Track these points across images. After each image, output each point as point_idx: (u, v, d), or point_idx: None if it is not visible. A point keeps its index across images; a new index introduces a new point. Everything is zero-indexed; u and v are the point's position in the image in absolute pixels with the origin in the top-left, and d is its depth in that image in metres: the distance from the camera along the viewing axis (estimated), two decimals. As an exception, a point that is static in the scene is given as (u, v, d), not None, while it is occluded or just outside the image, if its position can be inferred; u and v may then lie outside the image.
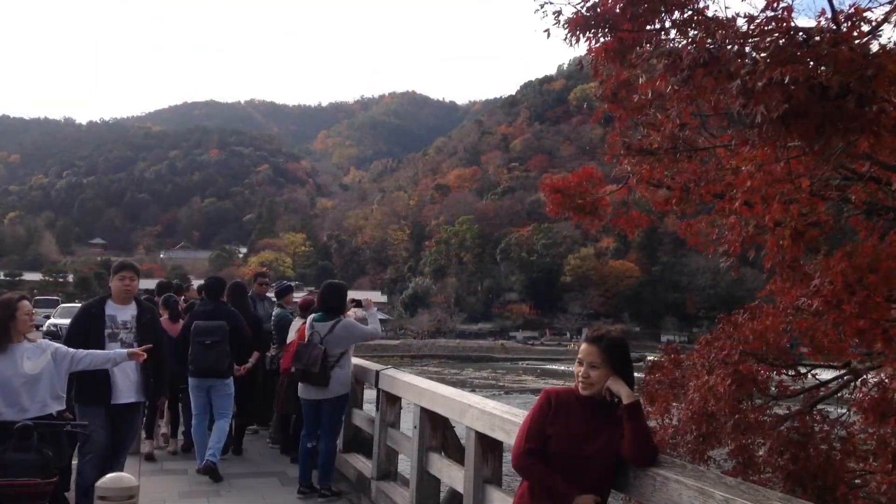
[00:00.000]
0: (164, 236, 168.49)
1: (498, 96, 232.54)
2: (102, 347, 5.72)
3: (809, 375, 8.24)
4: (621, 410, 3.05)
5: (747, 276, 62.86)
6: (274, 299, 9.98)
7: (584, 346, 3.19)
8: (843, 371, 8.02)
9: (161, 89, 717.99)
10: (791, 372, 8.04)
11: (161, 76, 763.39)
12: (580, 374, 3.13)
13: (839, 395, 8.18)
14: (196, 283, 18.43)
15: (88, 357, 5.33)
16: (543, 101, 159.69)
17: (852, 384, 7.75)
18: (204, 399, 7.86)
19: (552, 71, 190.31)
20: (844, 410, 8.16)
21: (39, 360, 5.08)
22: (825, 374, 8.52)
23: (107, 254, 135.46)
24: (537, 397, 3.26)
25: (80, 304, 9.63)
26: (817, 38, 4.17)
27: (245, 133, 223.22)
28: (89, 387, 5.71)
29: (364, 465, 7.22)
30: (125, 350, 5.55)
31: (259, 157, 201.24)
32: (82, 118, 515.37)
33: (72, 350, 5.31)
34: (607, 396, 3.09)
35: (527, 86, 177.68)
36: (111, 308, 6.01)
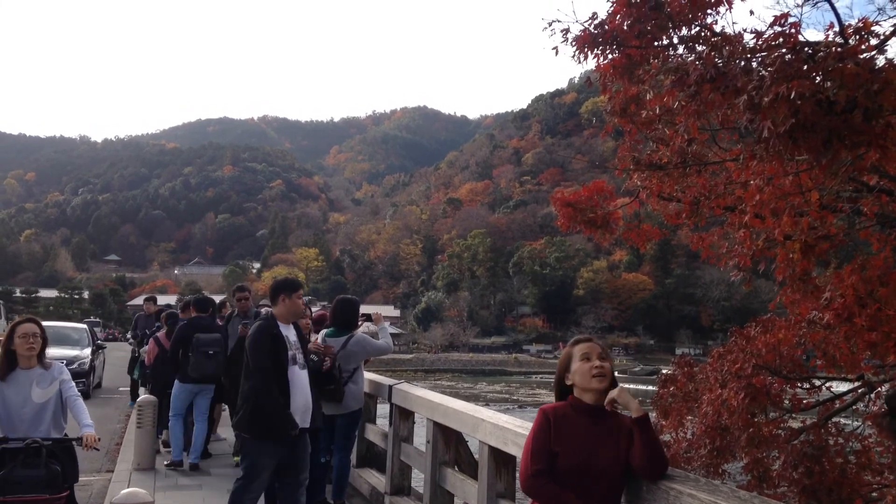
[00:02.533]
0: (179, 252, 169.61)
1: (509, 110, 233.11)
2: (287, 371, 5.33)
3: (824, 388, 8.19)
4: (630, 423, 3.04)
5: (762, 288, 62.47)
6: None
7: (583, 344, 3.19)
8: (857, 384, 7.98)
9: (175, 106, 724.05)
10: (805, 385, 8.00)
11: (175, 93, 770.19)
12: (594, 367, 3.09)
13: (854, 407, 8.13)
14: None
15: (80, 402, 5.07)
16: (555, 114, 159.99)
17: (867, 397, 7.70)
18: (188, 403, 8.97)
19: (563, 84, 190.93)
20: (859, 423, 8.11)
21: (49, 388, 4.96)
22: (840, 387, 8.47)
23: (121, 270, 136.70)
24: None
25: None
26: (823, 53, 4.20)
27: (258, 149, 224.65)
28: (268, 419, 5.30)
29: (378, 480, 7.22)
30: (90, 423, 5.01)
31: (272, 172, 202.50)
32: (97, 136, 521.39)
33: (75, 389, 5.11)
34: (608, 406, 3.09)
35: (538, 99, 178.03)
36: (283, 328, 5.51)
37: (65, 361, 10.16)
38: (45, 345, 5.08)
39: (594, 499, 3.00)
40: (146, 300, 14.93)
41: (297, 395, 5.38)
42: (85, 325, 20.24)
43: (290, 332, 5.53)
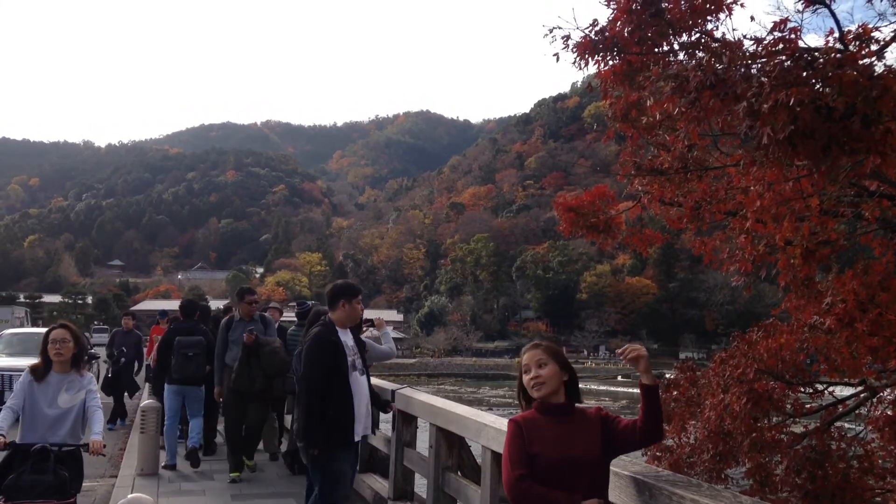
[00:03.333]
0: (182, 257, 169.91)
1: (512, 114, 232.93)
2: (348, 378, 5.28)
3: (826, 393, 8.18)
4: (641, 389, 3.13)
5: (766, 292, 62.47)
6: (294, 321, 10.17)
7: (527, 353, 3.29)
8: (859, 388, 7.97)
9: (178, 112, 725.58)
10: (808, 389, 7.99)
11: (178, 99, 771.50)
12: (530, 377, 3.20)
13: (856, 412, 8.12)
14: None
15: (99, 413, 5.15)
16: (557, 118, 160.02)
17: (869, 401, 7.70)
18: (179, 403, 9.31)
19: (566, 89, 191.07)
20: (862, 428, 8.10)
21: (75, 396, 5.05)
22: (842, 392, 8.46)
23: (125, 275, 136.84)
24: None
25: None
26: (822, 60, 4.22)
27: (261, 154, 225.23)
28: (340, 427, 5.26)
29: (381, 485, 7.23)
30: (99, 431, 5.08)
31: (275, 177, 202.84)
32: (101, 141, 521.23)
33: (98, 401, 5.18)
34: (625, 358, 3.16)
35: (541, 104, 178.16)
36: (341, 334, 5.44)
37: None
38: (81, 351, 5.15)
39: (578, 492, 3.05)
40: (124, 315, 14.20)
41: (360, 402, 5.34)
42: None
43: (347, 338, 5.46)
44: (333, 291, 5.54)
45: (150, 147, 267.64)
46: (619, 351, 3.19)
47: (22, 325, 46.82)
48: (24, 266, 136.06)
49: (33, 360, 5.23)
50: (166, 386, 9.32)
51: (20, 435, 4.96)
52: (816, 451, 7.26)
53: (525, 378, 3.26)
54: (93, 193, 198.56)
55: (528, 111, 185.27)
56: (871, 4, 6.23)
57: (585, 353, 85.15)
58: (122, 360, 12.71)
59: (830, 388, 8.22)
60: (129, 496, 4.35)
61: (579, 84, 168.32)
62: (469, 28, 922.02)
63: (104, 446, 5.05)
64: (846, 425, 8.36)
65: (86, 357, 5.54)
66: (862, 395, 7.95)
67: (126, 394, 13.39)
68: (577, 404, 3.25)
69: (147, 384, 12.75)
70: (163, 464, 8.84)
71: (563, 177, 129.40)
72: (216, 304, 14.42)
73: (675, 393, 8.58)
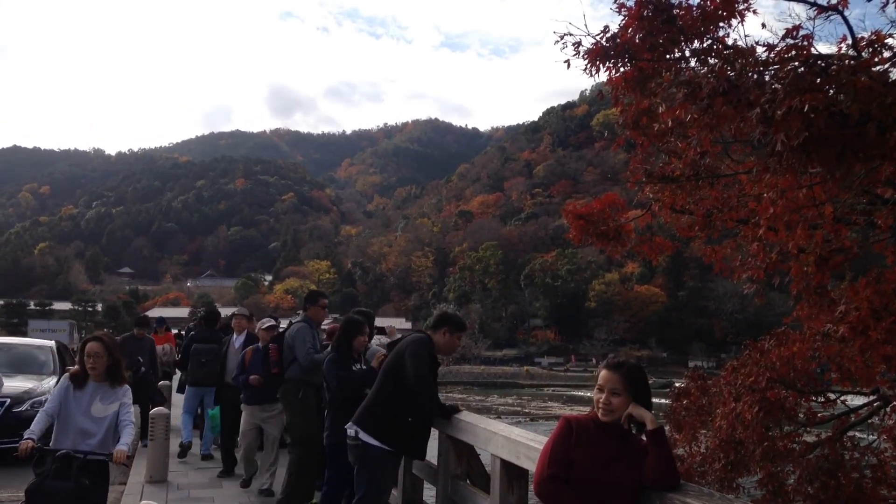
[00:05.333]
0: (191, 265, 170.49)
1: (521, 122, 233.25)
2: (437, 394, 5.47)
3: (839, 402, 8.11)
4: (646, 436, 3.05)
5: (775, 301, 61.98)
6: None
7: (604, 373, 3.17)
8: (872, 397, 7.90)
9: (188, 120, 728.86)
10: (820, 398, 7.92)
11: (188, 107, 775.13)
12: (601, 400, 3.11)
13: (869, 421, 8.05)
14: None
15: (130, 428, 5.15)
16: (566, 126, 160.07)
17: (882, 410, 7.63)
18: (197, 402, 10.81)
19: (575, 97, 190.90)
20: (875, 437, 8.03)
21: (109, 406, 5.08)
22: (855, 401, 8.38)
23: (134, 282, 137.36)
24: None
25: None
26: (836, 66, 4.19)
27: (270, 162, 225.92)
28: (424, 437, 5.45)
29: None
30: (127, 443, 5.10)
31: (284, 185, 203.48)
32: (111, 149, 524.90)
33: (131, 415, 5.20)
34: (625, 425, 3.10)
35: (549, 111, 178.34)
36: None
37: (6, 402, 10.07)
38: (115, 364, 5.15)
39: None
40: (138, 323, 12.47)
41: None
42: (52, 344, 13.08)
43: None
44: (443, 318, 5.64)
45: (160, 155, 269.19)
46: (623, 422, 3.08)
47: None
48: (34, 273, 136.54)
49: None
50: (187, 387, 10.75)
51: (53, 440, 5.00)
52: (829, 460, 7.19)
53: (595, 395, 3.17)
54: (103, 201, 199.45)
55: (536, 119, 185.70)
56: (884, 12, 6.21)
57: (594, 361, 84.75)
58: (143, 369, 12.29)
59: (843, 398, 8.15)
60: (139, 503, 4.35)
61: (588, 92, 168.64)
62: (477, 36, 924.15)
63: (129, 457, 5.09)
64: (859, 435, 8.28)
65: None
66: (875, 405, 7.88)
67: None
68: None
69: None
70: (179, 441, 10.12)
71: (571, 185, 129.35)
72: (225, 312, 14.40)
73: (686, 402, 8.52)
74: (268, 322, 8.54)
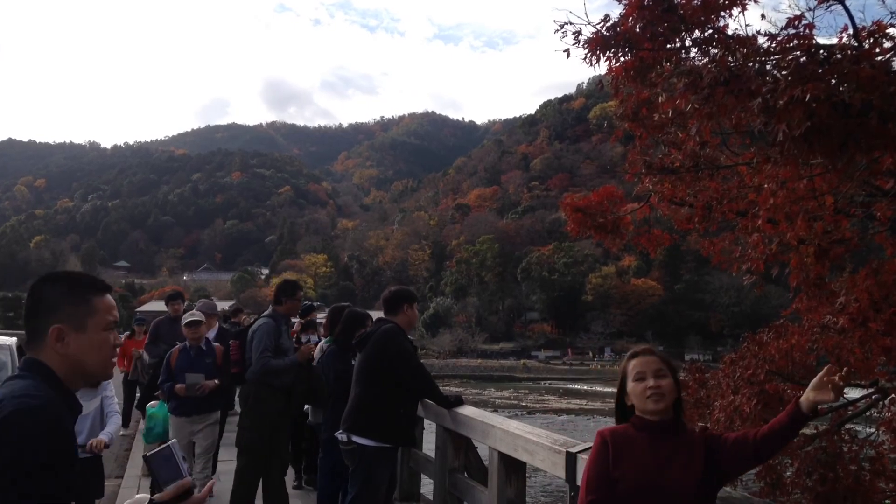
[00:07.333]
0: (187, 258, 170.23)
1: (517, 115, 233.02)
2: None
3: (837, 394, 8.08)
4: (798, 416, 2.72)
5: (772, 294, 62.26)
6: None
7: (639, 359, 2.88)
8: (870, 390, 7.90)
9: (184, 113, 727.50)
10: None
11: (184, 100, 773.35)
12: (649, 386, 2.79)
13: (868, 413, 8.04)
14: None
15: (115, 418, 5.17)
16: (563, 119, 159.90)
17: (880, 403, 7.62)
18: None
19: (572, 90, 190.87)
20: (873, 430, 8.03)
21: (91, 402, 5.01)
22: (853, 393, 8.38)
23: (131, 276, 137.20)
24: (593, 441, 2.93)
25: None
26: (838, 56, 4.16)
27: (267, 155, 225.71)
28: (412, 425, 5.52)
29: (387, 486, 7.17)
30: (108, 433, 5.12)
31: (280, 178, 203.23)
32: (107, 142, 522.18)
33: (115, 407, 5.19)
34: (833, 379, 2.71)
35: (546, 105, 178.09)
36: None
37: None
38: None
39: None
40: (170, 298, 10.81)
41: None
42: (12, 342, 9.58)
43: None
44: (396, 295, 5.44)
45: (156, 148, 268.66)
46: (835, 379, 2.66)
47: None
48: (30, 267, 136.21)
49: None
50: None
51: None
52: (827, 453, 7.18)
53: (637, 386, 2.83)
54: (98, 194, 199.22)
55: (533, 112, 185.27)
56: (884, 3, 6.17)
57: (591, 354, 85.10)
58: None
59: (841, 390, 8.12)
60: (136, 496, 4.31)
61: (585, 85, 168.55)
62: (474, 29, 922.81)
63: (106, 446, 5.02)
64: (857, 427, 8.28)
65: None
66: (873, 397, 7.88)
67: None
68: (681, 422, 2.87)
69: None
70: None
71: (568, 178, 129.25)
72: (222, 305, 14.35)
73: (684, 394, 8.49)
74: (190, 317, 7.26)
